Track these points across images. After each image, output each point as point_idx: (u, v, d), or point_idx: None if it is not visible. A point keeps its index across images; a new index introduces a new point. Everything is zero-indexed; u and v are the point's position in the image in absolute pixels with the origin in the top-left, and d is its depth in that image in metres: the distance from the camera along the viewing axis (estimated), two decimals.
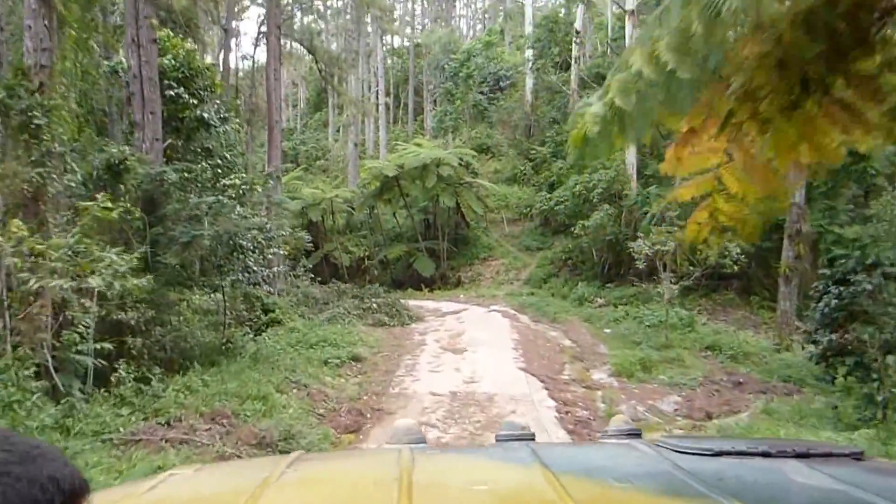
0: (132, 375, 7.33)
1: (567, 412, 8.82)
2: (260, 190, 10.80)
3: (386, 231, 28.51)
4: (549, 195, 22.99)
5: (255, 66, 34.05)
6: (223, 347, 10.50)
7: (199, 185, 9.77)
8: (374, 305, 17.53)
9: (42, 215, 6.20)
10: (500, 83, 36.77)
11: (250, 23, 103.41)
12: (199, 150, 11.15)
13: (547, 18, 28.60)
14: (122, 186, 8.05)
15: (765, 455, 1.34)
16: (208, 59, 21.01)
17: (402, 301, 19.27)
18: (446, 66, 38.46)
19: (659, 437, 1.55)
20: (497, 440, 1.65)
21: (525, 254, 26.08)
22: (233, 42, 38.64)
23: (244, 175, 10.24)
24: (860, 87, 2.41)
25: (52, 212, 6.35)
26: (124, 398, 7.09)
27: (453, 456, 1.66)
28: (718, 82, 2.42)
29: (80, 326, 6.71)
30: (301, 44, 28.99)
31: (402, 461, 1.27)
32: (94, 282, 5.56)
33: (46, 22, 6.58)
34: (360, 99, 36.28)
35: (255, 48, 41.90)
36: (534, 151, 28.25)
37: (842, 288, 8.11)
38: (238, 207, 9.71)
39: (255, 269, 10.63)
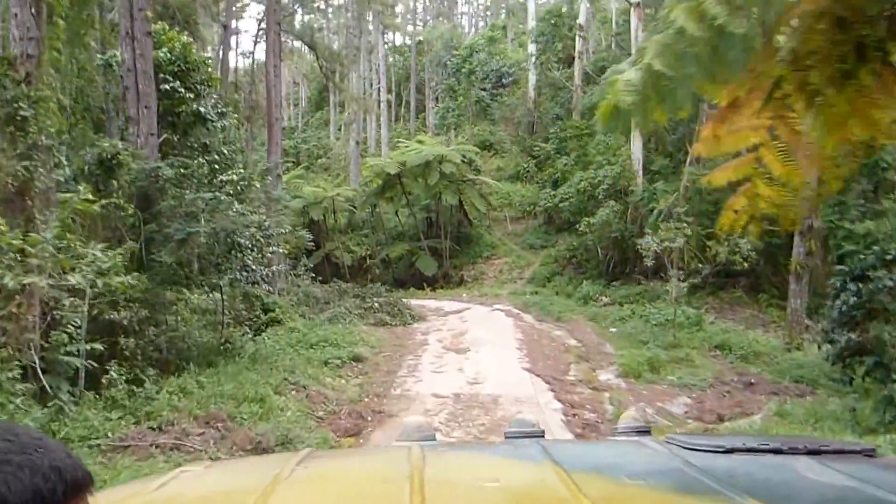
0: (124, 377, 7.07)
1: (574, 415, 8.55)
2: (258, 186, 10.52)
3: (388, 230, 28.24)
4: (553, 192, 22.70)
5: (255, 63, 33.83)
6: (221, 348, 10.26)
7: (196, 181, 9.50)
8: (376, 305, 17.28)
9: (29, 211, 5.94)
10: (503, 80, 36.49)
11: (250, 21, 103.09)
12: (196, 145, 10.88)
13: (550, 13, 28.28)
14: (114, 182, 7.79)
15: (776, 452, 1.33)
16: (208, 56, 20.73)
17: (404, 300, 19.01)
18: (448, 62, 38.18)
19: (668, 435, 1.54)
20: (506, 437, 1.64)
21: (528, 252, 25.80)
22: (233, 40, 38.43)
23: (242, 171, 9.95)
24: None
25: (40, 208, 6.08)
26: (116, 401, 6.84)
27: (464, 453, 1.66)
28: (767, 46, 2.14)
29: (70, 326, 6.45)
30: (302, 40, 28.75)
31: (413, 458, 1.26)
32: (74, 279, 5.28)
33: (33, 10, 6.32)
34: (362, 96, 36.00)
35: (254, 44, 41.68)
36: (537, 148, 27.96)
37: (860, 284, 7.80)
38: (236, 204, 9.44)
39: (253, 267, 10.37)
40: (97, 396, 6.79)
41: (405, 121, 46.33)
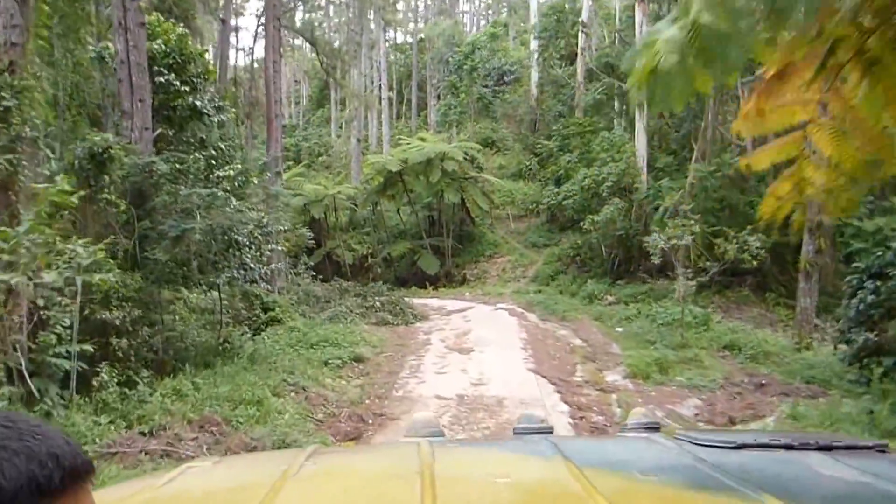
0: (116, 379, 6.81)
1: (581, 417, 8.28)
2: (256, 182, 10.24)
3: (389, 228, 27.98)
4: (556, 190, 22.41)
5: (255, 60, 33.57)
6: (220, 348, 10.01)
7: (192, 176, 9.23)
8: (378, 304, 17.03)
9: (14, 206, 5.67)
10: (505, 77, 36.22)
11: (251, 19, 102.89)
12: (192, 140, 10.62)
13: (553, 8, 27.97)
14: (106, 177, 7.52)
15: (787, 447, 1.32)
16: (208, 56, 20.46)
17: (406, 299, 18.74)
18: (450, 59, 37.90)
19: (678, 431, 1.53)
20: (515, 433, 1.62)
21: (531, 250, 25.54)
22: (232, 37, 38.17)
23: (238, 165, 9.68)
24: None
25: (24, 203, 5.82)
26: (107, 404, 6.58)
27: (473, 449, 1.65)
28: (827, 3, 1.85)
29: (58, 327, 6.19)
30: (302, 36, 28.49)
31: (423, 454, 1.25)
32: (50, 277, 5.01)
33: None
34: (363, 93, 35.75)
35: (254, 40, 41.43)
36: (539, 146, 27.67)
37: (878, 283, 7.52)
38: (233, 201, 9.17)
39: (252, 265, 10.11)
40: (87, 399, 6.53)
41: (407, 118, 46.08)
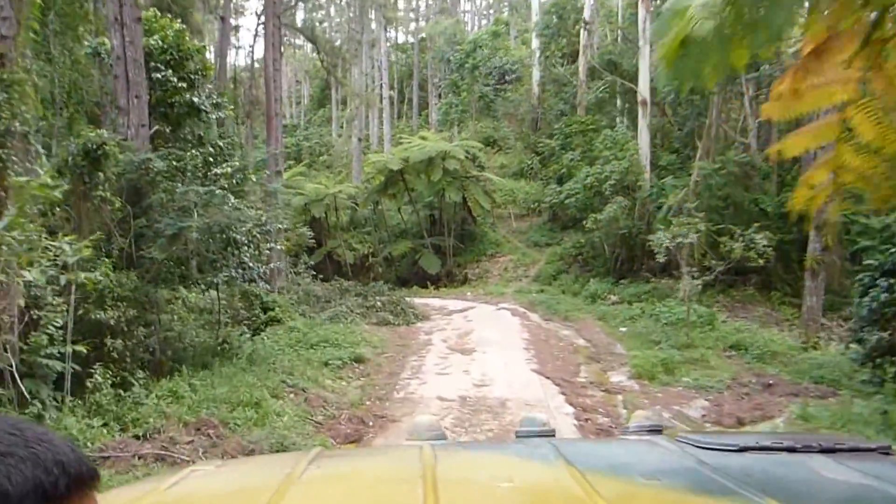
0: (110, 381, 6.64)
1: (587, 419, 8.11)
2: (254, 179, 10.07)
3: (390, 227, 27.81)
4: (558, 188, 22.21)
5: (255, 59, 33.41)
6: (219, 348, 9.84)
7: (189, 174, 9.06)
8: (378, 304, 16.87)
9: (2, 203, 5.51)
10: (506, 77, 36.03)
11: (251, 19, 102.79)
12: (190, 137, 10.44)
13: (555, 6, 27.76)
14: (101, 174, 7.35)
15: (790, 450, 1.31)
16: (209, 56, 20.29)
17: (408, 299, 18.57)
18: (451, 57, 37.71)
19: (680, 434, 1.52)
20: (517, 436, 1.62)
21: (533, 250, 25.37)
22: (233, 38, 38.01)
23: (236, 163, 9.51)
24: None
25: (15, 200, 5.64)
26: (101, 406, 6.41)
27: (475, 452, 1.62)
28: None
29: (50, 327, 6.02)
30: (303, 34, 28.33)
31: (425, 457, 1.25)
32: (31, 275, 4.84)
33: None
34: (364, 92, 35.60)
35: (254, 38, 41.29)
36: (541, 144, 27.49)
37: (892, 280, 7.33)
38: (231, 199, 9.00)
39: (250, 264, 9.94)
40: (81, 401, 6.37)
41: (408, 118, 45.94)
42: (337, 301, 16.76)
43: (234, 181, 9.40)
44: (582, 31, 27.23)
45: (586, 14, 27.31)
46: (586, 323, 15.35)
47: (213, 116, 10.98)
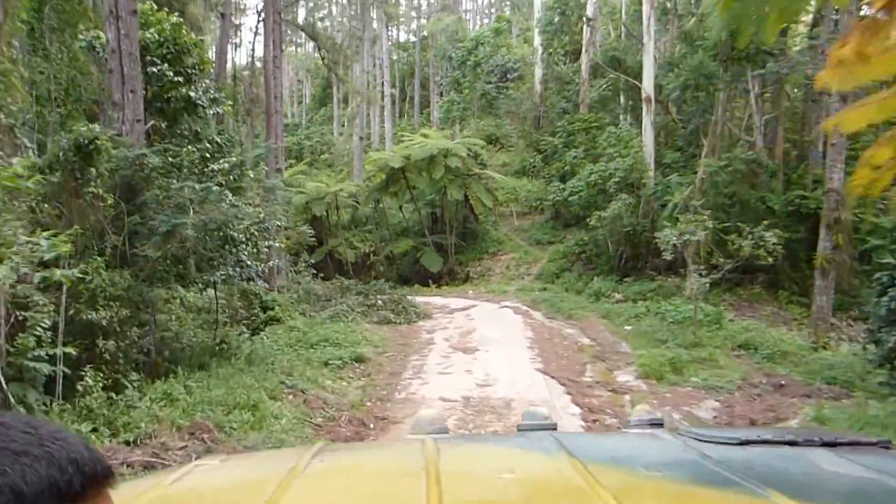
0: (101, 383, 6.41)
1: (594, 420, 7.88)
2: (252, 175, 9.84)
3: (392, 225, 27.58)
4: (562, 186, 21.97)
5: (256, 58, 33.18)
6: (217, 348, 9.62)
7: (185, 170, 8.83)
8: (380, 302, 16.65)
9: None
10: (508, 75, 35.78)
11: (253, 18, 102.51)
12: (186, 133, 10.22)
13: (558, 2, 27.49)
14: (93, 170, 7.12)
15: (791, 444, 1.32)
16: (211, 54, 20.06)
17: (409, 297, 18.35)
18: (453, 55, 37.47)
19: (682, 427, 1.51)
20: (519, 430, 1.62)
21: (536, 248, 25.14)
22: (233, 36, 37.75)
23: (233, 158, 9.27)
24: None
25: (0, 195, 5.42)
26: (91, 410, 6.18)
27: (477, 445, 1.65)
28: None
29: (38, 328, 5.79)
30: (304, 31, 28.09)
31: (427, 451, 1.26)
32: (0, 273, 4.61)
33: None
34: (366, 89, 35.37)
35: (254, 36, 41.07)
36: (544, 142, 27.25)
37: None
38: (229, 195, 8.77)
39: (248, 263, 9.71)
40: (71, 405, 6.14)
41: (409, 116, 45.72)
42: (338, 300, 16.54)
43: (231, 177, 9.17)
44: (585, 27, 26.98)
45: (589, 10, 27.07)
46: (590, 321, 15.12)
47: (211, 112, 10.76)
